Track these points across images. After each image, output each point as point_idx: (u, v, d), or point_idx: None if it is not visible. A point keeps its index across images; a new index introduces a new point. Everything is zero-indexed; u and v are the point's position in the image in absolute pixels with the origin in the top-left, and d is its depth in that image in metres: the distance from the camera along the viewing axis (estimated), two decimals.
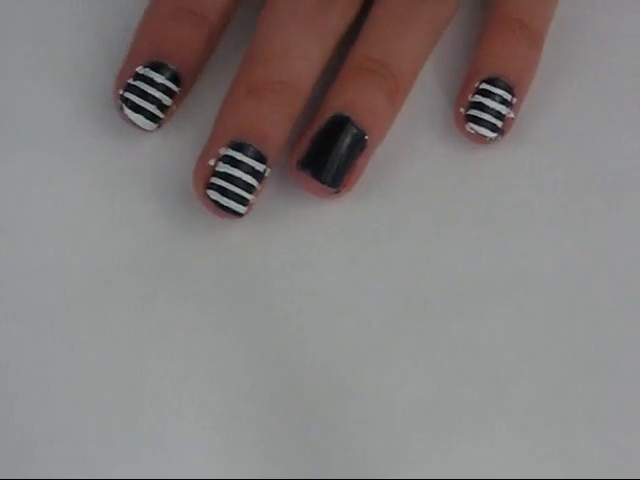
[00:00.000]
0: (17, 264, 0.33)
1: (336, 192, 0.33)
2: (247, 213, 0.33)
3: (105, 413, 0.32)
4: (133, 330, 0.33)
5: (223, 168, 0.32)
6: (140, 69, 0.33)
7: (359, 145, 0.33)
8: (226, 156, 0.32)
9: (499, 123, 0.34)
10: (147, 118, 0.33)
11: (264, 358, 0.32)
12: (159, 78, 0.33)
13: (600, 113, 0.35)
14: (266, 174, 0.32)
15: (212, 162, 0.32)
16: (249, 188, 0.32)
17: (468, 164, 0.35)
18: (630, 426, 0.32)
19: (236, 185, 0.32)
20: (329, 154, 0.32)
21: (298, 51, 0.33)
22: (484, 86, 0.34)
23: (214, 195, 0.32)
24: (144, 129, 0.34)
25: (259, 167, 0.32)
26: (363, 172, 0.33)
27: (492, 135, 0.34)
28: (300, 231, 0.34)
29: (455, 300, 0.33)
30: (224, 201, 0.32)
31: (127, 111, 0.33)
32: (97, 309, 0.33)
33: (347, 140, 0.32)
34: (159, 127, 0.34)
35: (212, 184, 0.32)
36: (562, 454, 0.32)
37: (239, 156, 0.32)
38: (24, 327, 0.33)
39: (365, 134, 0.33)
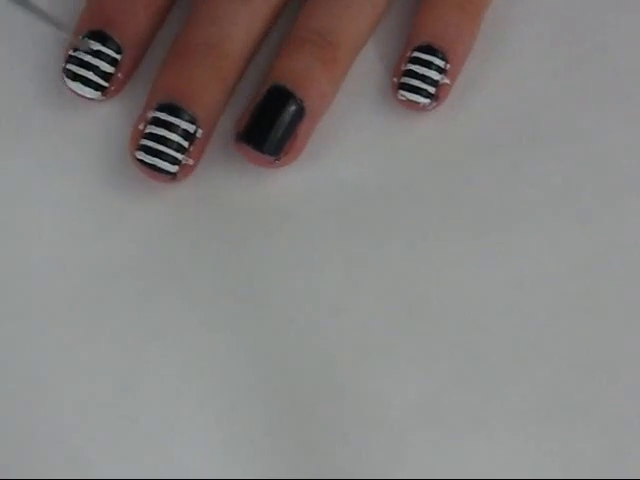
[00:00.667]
0: (17, 262, 0.34)
1: (276, 160, 0.33)
2: (184, 175, 0.33)
3: (105, 413, 0.32)
4: (132, 329, 0.33)
5: (148, 129, 0.33)
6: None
7: (297, 114, 0.33)
8: (152, 118, 0.33)
9: (431, 89, 0.34)
10: (86, 85, 0.34)
11: (263, 358, 0.32)
12: (95, 45, 0.33)
13: (600, 110, 0.35)
14: (197, 134, 0.33)
15: (141, 126, 0.33)
16: (177, 147, 0.33)
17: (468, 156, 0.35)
18: (630, 426, 0.32)
19: (160, 143, 0.33)
20: (267, 125, 0.33)
21: (222, 15, 0.34)
22: (415, 54, 0.34)
23: (140, 155, 0.33)
24: (87, 97, 0.34)
25: (185, 125, 0.33)
26: (307, 140, 0.34)
27: (424, 101, 0.34)
28: (300, 229, 0.34)
29: (455, 300, 0.33)
30: (149, 159, 0.33)
31: (66, 80, 0.34)
32: (96, 308, 0.33)
33: (284, 109, 0.33)
34: (106, 96, 0.34)
35: (139, 145, 0.33)
36: (561, 454, 0.32)
37: (163, 116, 0.33)
38: (24, 326, 0.33)
39: (302, 102, 0.33)
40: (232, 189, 0.34)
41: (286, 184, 0.34)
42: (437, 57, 0.34)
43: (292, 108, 0.33)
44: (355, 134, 0.35)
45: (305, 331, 0.33)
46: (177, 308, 0.33)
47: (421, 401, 0.32)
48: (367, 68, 0.36)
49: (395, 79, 0.34)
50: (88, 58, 0.33)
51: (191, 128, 0.33)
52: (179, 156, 0.33)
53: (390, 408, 0.32)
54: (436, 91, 0.34)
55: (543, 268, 0.33)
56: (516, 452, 0.31)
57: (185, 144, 0.33)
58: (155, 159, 0.33)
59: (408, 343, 0.33)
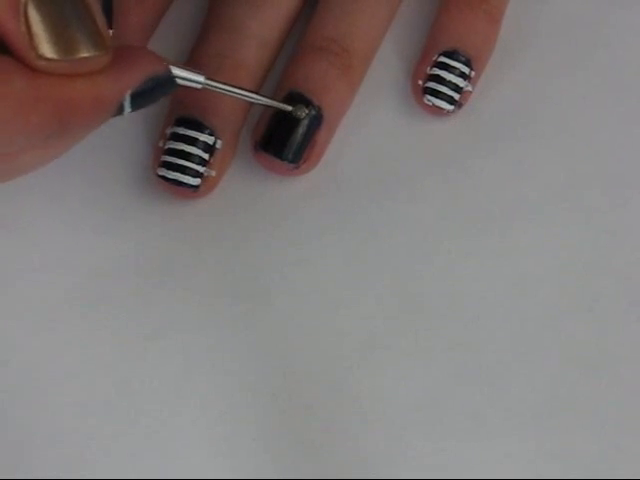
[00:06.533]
0: (17, 262, 0.34)
1: (295, 167, 0.33)
2: (208, 188, 0.33)
3: (105, 411, 0.32)
4: (132, 328, 0.33)
5: (167, 144, 0.33)
6: None
7: (315, 121, 0.33)
8: (171, 133, 0.33)
9: (456, 96, 0.34)
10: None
11: (263, 356, 0.32)
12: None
13: (601, 108, 0.35)
14: (217, 145, 0.33)
15: (161, 143, 0.33)
16: (197, 160, 0.33)
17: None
18: (629, 425, 0.32)
19: (180, 157, 0.33)
20: (285, 133, 0.33)
21: (235, 24, 0.33)
22: (442, 59, 0.34)
23: (161, 171, 0.33)
24: None
25: (204, 138, 0.33)
26: (326, 147, 0.34)
27: (449, 108, 0.34)
28: (299, 227, 0.34)
29: (454, 298, 0.33)
30: (170, 174, 0.33)
31: None
32: (96, 307, 0.33)
33: (302, 117, 0.33)
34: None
35: (161, 162, 0.33)
36: (560, 453, 0.31)
37: (181, 130, 0.33)
38: (24, 326, 0.33)
39: (320, 109, 0.33)
40: (232, 188, 0.34)
41: (286, 181, 0.34)
42: (463, 63, 0.34)
43: (309, 116, 0.33)
44: (355, 132, 0.35)
45: (305, 329, 0.33)
46: (177, 307, 0.33)
47: (421, 399, 0.32)
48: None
49: (420, 82, 0.34)
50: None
51: (210, 140, 0.33)
52: (200, 169, 0.33)
53: (390, 406, 0.32)
54: (460, 98, 0.34)
55: (544, 265, 0.33)
56: (515, 451, 0.31)
57: (206, 156, 0.33)
58: (176, 174, 0.33)
59: (408, 341, 0.33)
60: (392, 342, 0.33)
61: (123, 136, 0.35)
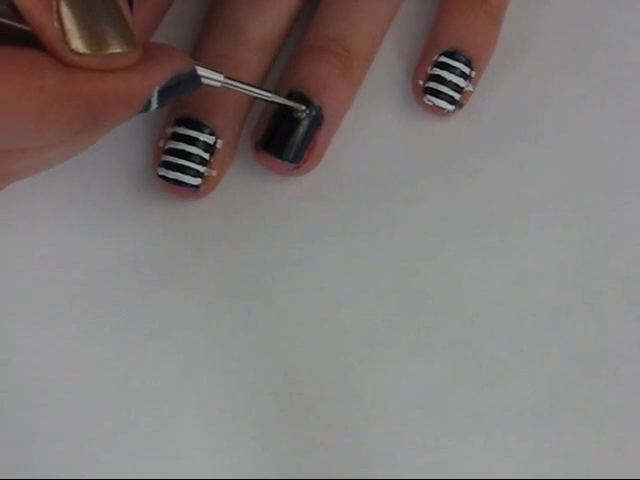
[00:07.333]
0: (17, 262, 0.34)
1: (296, 167, 0.33)
2: (209, 188, 0.33)
3: (105, 410, 0.32)
4: (133, 327, 0.33)
5: (168, 144, 0.33)
6: None
7: (316, 121, 0.33)
8: (171, 133, 0.33)
9: (457, 96, 0.34)
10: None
11: (264, 354, 0.32)
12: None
13: (601, 108, 0.35)
14: (217, 145, 0.33)
15: (161, 143, 0.33)
16: (197, 159, 0.33)
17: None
18: (629, 423, 0.32)
19: (181, 157, 0.33)
20: (286, 132, 0.33)
21: (235, 24, 0.34)
22: (443, 59, 0.34)
23: (162, 171, 0.33)
24: None
25: (204, 138, 0.33)
26: (326, 147, 0.34)
27: (450, 108, 0.34)
28: (300, 226, 0.34)
29: (455, 296, 0.33)
30: (170, 174, 0.33)
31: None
32: (97, 306, 0.33)
33: (303, 117, 0.33)
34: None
35: (162, 162, 0.33)
36: (560, 450, 0.31)
37: (181, 130, 0.33)
38: (24, 325, 0.33)
39: (321, 109, 0.33)
40: (232, 188, 0.34)
41: (287, 181, 0.34)
42: (463, 63, 0.34)
43: (310, 116, 0.33)
44: (355, 132, 0.35)
45: (305, 328, 0.33)
46: (178, 306, 0.33)
47: (421, 397, 0.32)
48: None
49: (420, 82, 0.34)
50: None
51: (210, 139, 0.33)
52: (201, 168, 0.33)
53: (390, 404, 0.32)
54: (460, 98, 0.34)
55: (544, 265, 0.33)
56: (516, 449, 0.31)
57: (206, 156, 0.33)
58: (177, 173, 0.33)
59: (408, 339, 0.33)
60: (392, 340, 0.33)
61: (123, 136, 0.35)
